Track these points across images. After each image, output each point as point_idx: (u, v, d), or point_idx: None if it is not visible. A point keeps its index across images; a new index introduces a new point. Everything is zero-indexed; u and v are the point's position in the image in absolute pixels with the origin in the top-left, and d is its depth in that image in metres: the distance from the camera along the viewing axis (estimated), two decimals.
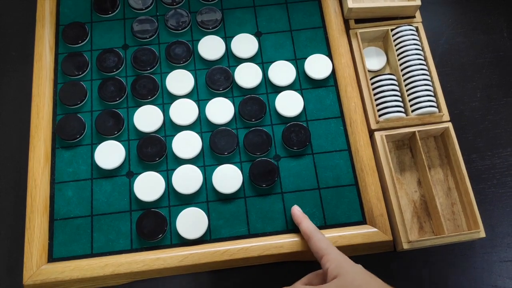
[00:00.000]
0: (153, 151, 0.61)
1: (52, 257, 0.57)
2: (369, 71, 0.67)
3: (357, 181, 0.61)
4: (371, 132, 0.63)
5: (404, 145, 0.65)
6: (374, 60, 0.68)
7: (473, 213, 0.58)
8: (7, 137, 0.65)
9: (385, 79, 0.64)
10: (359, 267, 0.48)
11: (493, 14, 0.74)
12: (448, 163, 0.63)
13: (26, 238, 0.57)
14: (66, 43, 0.67)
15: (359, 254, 0.59)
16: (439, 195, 0.62)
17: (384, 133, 0.62)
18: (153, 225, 0.58)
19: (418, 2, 0.67)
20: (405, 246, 0.57)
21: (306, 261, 0.58)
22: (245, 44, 0.67)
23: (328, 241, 0.52)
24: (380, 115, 0.63)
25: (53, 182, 0.60)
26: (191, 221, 0.58)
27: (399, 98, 0.64)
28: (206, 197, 0.60)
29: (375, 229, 0.58)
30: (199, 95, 0.65)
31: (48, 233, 0.58)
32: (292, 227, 0.58)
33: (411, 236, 0.58)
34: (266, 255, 0.56)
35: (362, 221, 0.59)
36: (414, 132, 0.62)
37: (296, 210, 0.58)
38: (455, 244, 0.60)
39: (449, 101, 0.65)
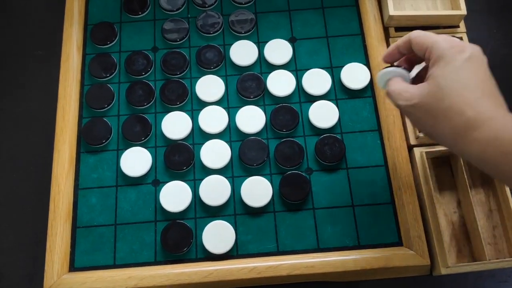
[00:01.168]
0: (180, 160, 0.59)
1: (73, 266, 0.55)
2: None
3: (393, 199, 0.57)
4: (410, 148, 0.59)
5: (444, 163, 0.61)
6: (415, 70, 0.64)
7: None
8: (32, 139, 0.63)
9: None
10: (459, 65, 0.39)
11: None
12: (490, 183, 0.60)
13: (47, 246, 0.55)
14: (94, 43, 0.65)
15: (391, 277, 0.56)
16: (479, 217, 0.58)
17: (424, 149, 0.58)
18: (178, 237, 0.55)
19: (463, 12, 0.63)
20: (443, 271, 0.53)
21: (338, 282, 0.56)
22: (278, 50, 0.64)
23: (430, 33, 0.43)
24: (420, 130, 0.59)
25: (77, 188, 0.58)
26: (218, 235, 0.55)
27: None
28: (234, 209, 0.57)
29: (412, 252, 0.54)
30: (230, 103, 0.62)
31: (70, 241, 0.56)
32: (324, 246, 0.55)
33: (450, 260, 0.55)
34: (295, 275, 0.54)
35: (398, 242, 0.56)
36: None
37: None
38: (496, 270, 0.57)
39: None
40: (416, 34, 0.44)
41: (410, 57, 0.48)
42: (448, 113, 0.39)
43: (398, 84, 0.45)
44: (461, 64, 0.39)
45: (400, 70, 0.46)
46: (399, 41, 0.46)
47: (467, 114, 0.38)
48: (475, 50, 0.41)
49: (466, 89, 0.39)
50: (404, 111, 0.44)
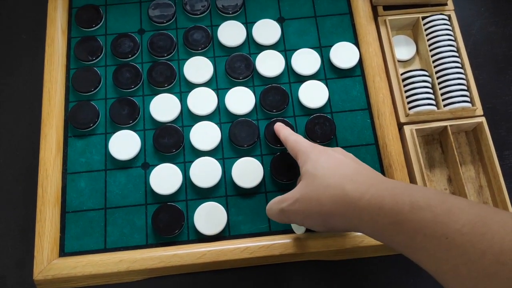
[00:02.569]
0: (170, 142, 0.58)
1: (63, 251, 0.54)
2: (398, 61, 0.63)
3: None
4: (400, 126, 0.59)
5: (434, 140, 0.61)
6: (403, 49, 0.64)
7: None
8: (18, 125, 0.62)
9: (417, 75, 0.60)
10: (325, 157, 0.44)
11: None
12: (480, 160, 0.60)
13: (36, 231, 0.54)
14: (79, 26, 0.64)
15: (382, 254, 0.56)
16: (470, 193, 0.59)
17: (414, 127, 0.58)
18: (169, 220, 0.55)
19: None
20: None
21: (329, 261, 0.56)
22: (267, 30, 0.64)
23: (303, 139, 0.49)
24: (410, 108, 0.59)
25: (65, 172, 0.57)
26: (210, 216, 0.55)
27: (431, 91, 0.60)
28: (225, 191, 0.57)
29: None
30: (218, 84, 0.62)
31: (59, 226, 0.55)
32: None
33: None
34: (288, 254, 0.53)
35: None
36: (445, 127, 0.58)
37: (278, 124, 0.56)
38: None
39: (480, 94, 0.61)
40: (291, 140, 0.50)
41: None
42: (329, 190, 0.40)
43: (275, 199, 0.48)
44: (327, 156, 0.43)
45: None
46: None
47: (346, 187, 0.39)
48: (338, 148, 0.47)
49: (338, 170, 0.41)
50: (291, 212, 0.44)
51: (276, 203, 0.46)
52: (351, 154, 0.46)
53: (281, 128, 0.54)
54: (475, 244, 0.28)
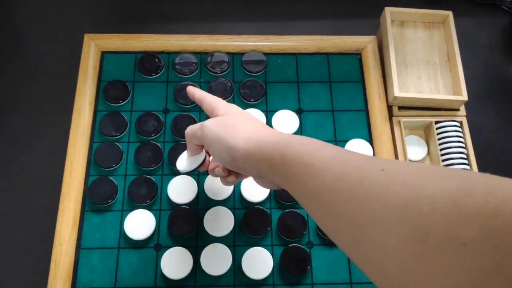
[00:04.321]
0: (184, 225, 0.59)
1: None
2: (409, 160, 0.66)
3: None
4: None
5: None
6: (415, 149, 0.67)
7: None
8: (37, 192, 0.63)
9: None
10: (245, 113, 0.50)
11: None
12: None
13: None
14: (107, 101, 0.67)
15: None
16: None
17: None
18: None
19: (465, 98, 0.66)
20: None
21: None
22: (285, 119, 0.66)
23: (220, 99, 0.52)
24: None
25: (79, 247, 0.58)
26: None
27: None
28: (234, 280, 0.58)
29: None
30: None
31: None
32: None
33: None
34: None
35: None
36: None
37: (190, 87, 0.55)
38: None
39: None
40: (209, 96, 0.52)
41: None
42: (243, 124, 0.46)
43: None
44: (244, 115, 0.49)
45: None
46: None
47: (261, 130, 0.46)
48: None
49: (252, 121, 0.48)
50: (209, 129, 0.47)
51: (197, 126, 0.49)
52: (253, 120, 0.50)
53: (195, 89, 0.55)
54: (329, 168, 0.35)
